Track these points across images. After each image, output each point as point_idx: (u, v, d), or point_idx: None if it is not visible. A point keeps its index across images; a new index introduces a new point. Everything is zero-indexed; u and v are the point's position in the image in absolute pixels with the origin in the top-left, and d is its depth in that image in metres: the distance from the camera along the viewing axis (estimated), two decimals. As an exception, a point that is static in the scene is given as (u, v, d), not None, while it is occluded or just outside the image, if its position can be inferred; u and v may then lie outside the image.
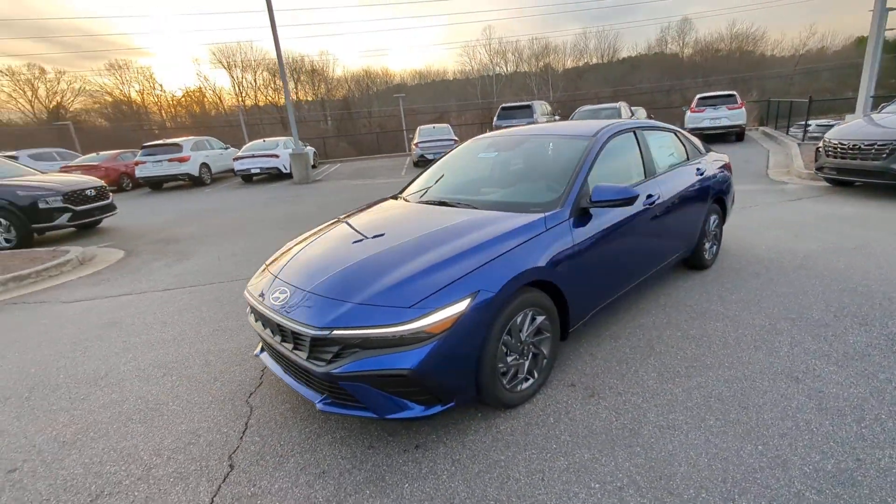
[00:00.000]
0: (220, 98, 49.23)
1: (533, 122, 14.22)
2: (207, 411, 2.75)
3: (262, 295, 2.57)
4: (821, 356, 2.79)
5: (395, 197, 3.65)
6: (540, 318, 2.57)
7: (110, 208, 9.60)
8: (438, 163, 3.98)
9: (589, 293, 2.90)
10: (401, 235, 2.72)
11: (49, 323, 4.40)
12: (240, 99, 45.02)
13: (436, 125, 17.63)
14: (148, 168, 15.04)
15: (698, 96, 14.52)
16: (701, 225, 4.06)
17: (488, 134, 4.05)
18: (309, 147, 18.10)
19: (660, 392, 2.58)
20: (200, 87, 52.52)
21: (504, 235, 2.53)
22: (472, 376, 2.25)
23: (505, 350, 2.41)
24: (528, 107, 14.57)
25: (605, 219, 2.97)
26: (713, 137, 14.13)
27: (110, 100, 60.27)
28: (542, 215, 2.71)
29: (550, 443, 2.25)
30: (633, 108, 15.05)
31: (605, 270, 3.00)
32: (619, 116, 11.78)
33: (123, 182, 15.98)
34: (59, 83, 58.92)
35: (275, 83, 41.98)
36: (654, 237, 3.47)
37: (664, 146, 3.93)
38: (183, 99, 54.35)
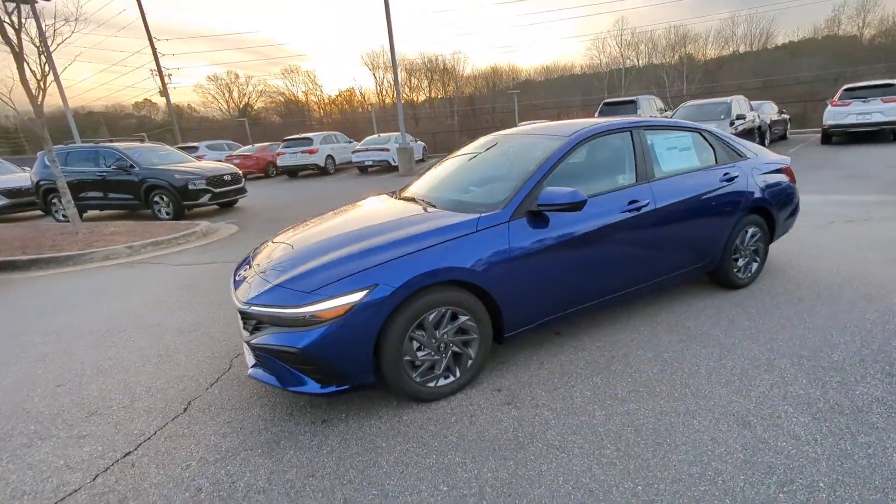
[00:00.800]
0: (363, 97, 53.57)
1: (636, 119, 13.14)
2: (201, 364, 3.20)
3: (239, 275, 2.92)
4: (800, 404, 2.28)
5: (391, 192, 3.78)
6: (463, 318, 2.52)
7: (242, 191, 11.21)
8: (448, 160, 4.00)
9: (534, 301, 2.74)
10: (349, 227, 2.86)
11: (149, 280, 5.40)
12: (379, 97, 48.43)
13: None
14: (286, 158, 17.15)
15: (845, 87, 11.88)
16: (727, 237, 3.49)
17: (495, 133, 3.93)
18: (418, 142, 18.95)
19: (579, 411, 2.36)
20: (350, 88, 57.72)
21: (428, 233, 2.53)
22: (368, 364, 2.32)
23: (417, 344, 2.42)
24: (633, 102, 13.37)
25: (569, 225, 2.76)
26: (863, 137, 11.57)
27: (282, 100, 69.20)
28: (476, 216, 2.63)
29: (435, 440, 2.23)
30: (758, 102, 12.91)
31: (562, 279, 2.80)
32: (729, 112, 10.21)
33: (269, 170, 18.42)
34: (247, 86, 69.24)
35: (410, 82, 44.39)
36: (647, 247, 3.10)
37: (677, 148, 3.45)
38: (336, 98, 60.30)
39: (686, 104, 11.08)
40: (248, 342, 2.43)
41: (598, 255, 2.92)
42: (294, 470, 2.10)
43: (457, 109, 41.64)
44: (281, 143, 18.13)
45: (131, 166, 10.27)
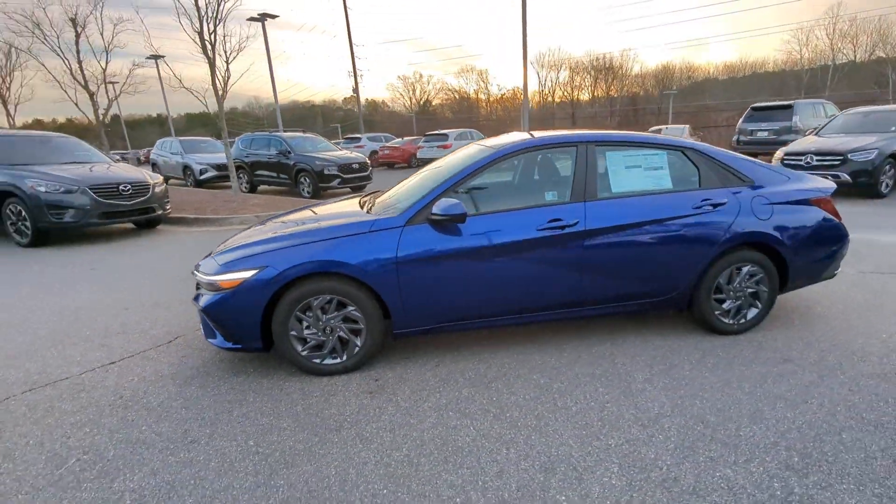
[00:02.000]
0: (520, 95, 53.70)
1: (790, 127, 10.70)
2: (182, 316, 3.88)
3: None
4: (636, 469, 1.96)
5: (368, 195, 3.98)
6: (350, 308, 2.73)
7: (368, 178, 12.55)
8: (425, 168, 4.02)
9: (429, 305, 2.78)
10: (293, 219, 3.25)
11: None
12: (541, 95, 47.84)
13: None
14: (425, 151, 18.44)
15: None
16: (698, 272, 2.94)
17: (478, 141, 3.86)
18: None
19: (416, 415, 2.39)
20: (515, 87, 58.17)
21: (327, 229, 2.78)
22: (256, 332, 2.70)
23: (306, 324, 2.73)
24: (789, 107, 10.84)
25: (476, 237, 2.73)
26: None
27: (456, 97, 73.36)
28: (373, 219, 2.78)
29: (285, 405, 2.51)
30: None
31: (465, 289, 2.78)
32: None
33: (412, 161, 19.97)
34: (428, 84, 75.09)
35: (573, 81, 42.82)
36: (574, 269, 2.83)
37: (641, 167, 2.99)
38: (501, 96, 61.47)
39: (850, 111, 8.65)
40: (193, 299, 3.03)
41: (510, 271, 2.80)
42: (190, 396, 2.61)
43: (618, 109, 38.90)
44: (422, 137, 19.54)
45: (289, 152, 12.33)
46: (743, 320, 3.11)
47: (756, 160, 3.23)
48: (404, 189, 3.38)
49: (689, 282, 2.97)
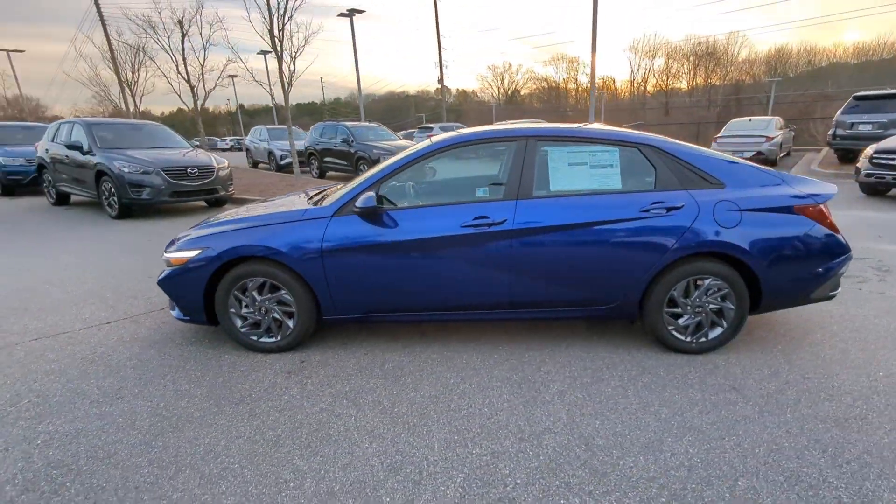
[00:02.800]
0: (612, 84, 50.47)
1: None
2: None
3: None
4: (488, 485, 1.84)
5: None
6: (282, 292, 2.85)
7: (423, 168, 12.74)
8: None
9: (354, 294, 2.81)
10: (249, 209, 3.43)
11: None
12: (632, 84, 44.63)
13: (753, 117, 13.44)
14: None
15: None
16: (644, 281, 2.62)
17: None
18: None
19: (308, 398, 2.44)
20: (604, 76, 54.98)
21: (266, 216, 2.91)
22: (200, 306, 2.92)
23: (243, 303, 2.90)
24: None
25: (399, 230, 2.71)
26: None
27: (545, 86, 71.29)
28: (305, 208, 2.84)
29: (210, 377, 2.69)
30: None
31: (391, 281, 2.76)
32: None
33: (479, 151, 19.85)
34: (516, 74, 73.85)
35: (669, 68, 39.28)
36: (501, 269, 2.67)
37: (588, 164, 2.69)
38: (588, 86, 58.66)
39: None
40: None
41: (435, 267, 2.72)
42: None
43: (720, 98, 35.12)
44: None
45: (351, 140, 12.89)
46: (703, 339, 2.73)
47: (739, 160, 2.77)
48: (354, 181, 3.42)
49: (635, 292, 2.67)
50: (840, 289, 2.79)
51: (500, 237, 2.64)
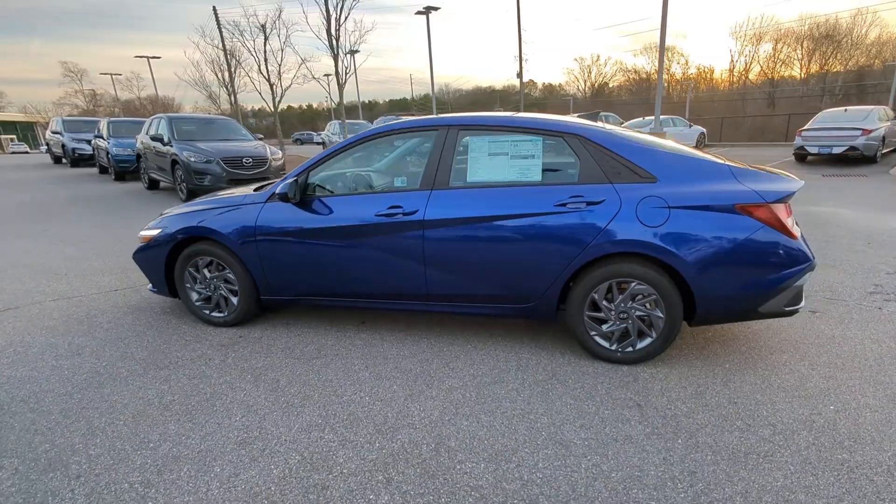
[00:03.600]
0: (709, 74, 45.83)
1: None
2: None
3: None
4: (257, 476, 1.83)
5: None
6: (226, 271, 3.04)
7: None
8: None
9: (284, 276, 2.91)
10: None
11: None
12: (732, 73, 40.19)
13: (849, 107, 11.10)
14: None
15: None
16: (556, 281, 2.39)
17: None
18: (695, 127, 15.57)
19: (220, 372, 2.58)
20: (701, 66, 50.17)
21: (216, 201, 3.11)
22: (163, 280, 3.20)
23: (196, 280, 3.14)
24: None
25: (319, 216, 2.77)
26: None
27: (636, 78, 67.07)
28: (246, 194, 2.98)
29: (142, 338, 2.95)
30: None
31: (316, 266, 2.83)
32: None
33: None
34: (605, 66, 70.32)
35: (776, 55, 34.68)
36: (414, 260, 2.60)
37: (508, 155, 2.48)
38: (684, 76, 53.81)
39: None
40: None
41: (353, 255, 2.73)
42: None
43: (839, 86, 30.46)
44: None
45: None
46: (630, 349, 2.43)
47: (688, 152, 2.42)
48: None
49: (551, 292, 2.45)
50: (803, 303, 2.33)
51: (413, 227, 2.57)
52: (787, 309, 2.29)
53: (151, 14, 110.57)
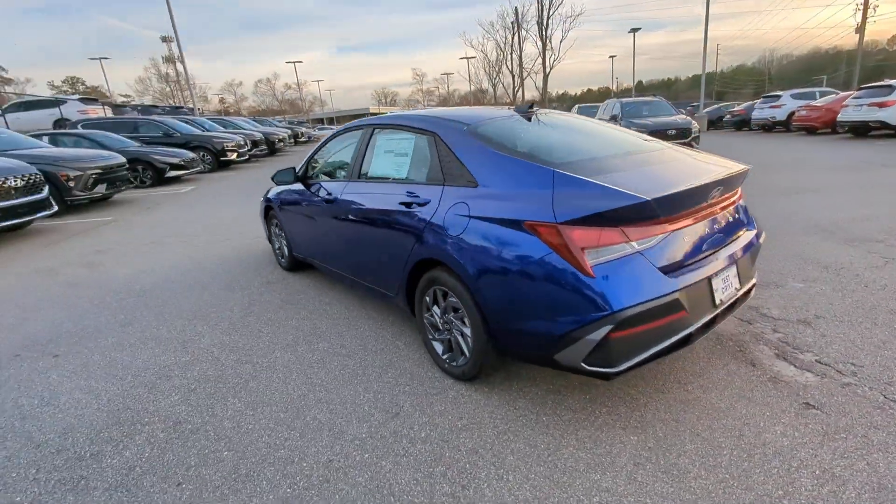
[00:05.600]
0: None
1: None
2: None
3: None
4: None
5: None
6: (276, 229, 4.17)
7: (688, 142, 10.67)
8: None
9: (296, 240, 3.79)
10: None
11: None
12: None
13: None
14: (849, 112, 12.49)
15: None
16: (401, 279, 2.41)
17: None
18: None
19: (162, 325, 3.68)
20: None
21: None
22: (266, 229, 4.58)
23: (273, 231, 4.40)
24: None
25: (311, 194, 3.44)
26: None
27: None
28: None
29: (240, 282, 4.33)
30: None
31: (307, 233, 3.58)
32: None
33: (835, 125, 13.90)
34: None
35: None
36: (344, 241, 3.03)
37: (393, 152, 2.55)
38: None
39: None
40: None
41: (318, 229, 3.34)
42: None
43: None
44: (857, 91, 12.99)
45: (619, 117, 12.17)
46: (454, 363, 2.25)
47: (511, 156, 1.99)
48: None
49: (399, 287, 2.48)
50: (621, 367, 1.64)
51: (331, 211, 3.02)
52: (585, 367, 1.70)
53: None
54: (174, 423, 2.14)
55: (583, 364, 1.73)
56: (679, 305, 1.74)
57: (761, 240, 2.33)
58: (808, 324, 2.64)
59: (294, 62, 57.64)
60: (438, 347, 2.39)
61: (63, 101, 18.61)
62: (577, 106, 18.63)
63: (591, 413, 2.01)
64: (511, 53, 16.87)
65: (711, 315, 1.90)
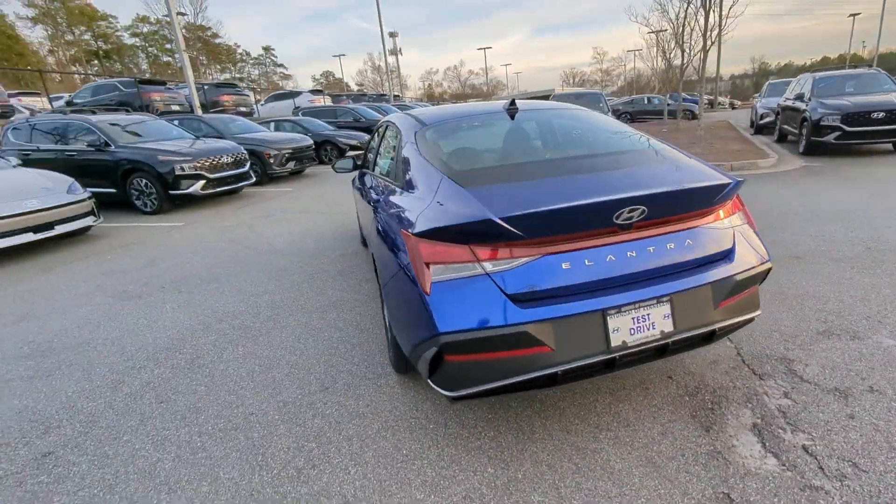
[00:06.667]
0: None
1: None
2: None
3: None
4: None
5: None
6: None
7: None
8: None
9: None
10: None
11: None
12: None
13: None
14: None
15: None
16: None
17: None
18: None
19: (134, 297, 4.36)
20: None
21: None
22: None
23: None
24: None
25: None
26: None
27: None
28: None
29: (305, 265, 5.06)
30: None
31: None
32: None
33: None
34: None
35: None
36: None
37: (389, 147, 2.60)
38: None
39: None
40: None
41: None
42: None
43: None
44: None
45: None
46: (390, 353, 2.34)
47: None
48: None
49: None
50: (461, 393, 1.54)
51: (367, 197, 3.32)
52: (431, 384, 1.60)
53: None
54: (193, 358, 2.82)
55: (430, 381, 1.66)
56: (532, 340, 1.49)
57: (758, 269, 1.72)
58: (844, 396, 1.82)
59: (484, 48, 60.59)
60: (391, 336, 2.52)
61: (298, 94, 23.61)
62: (767, 83, 14.49)
63: (476, 433, 1.89)
64: (684, 26, 13.90)
65: (603, 358, 1.55)
